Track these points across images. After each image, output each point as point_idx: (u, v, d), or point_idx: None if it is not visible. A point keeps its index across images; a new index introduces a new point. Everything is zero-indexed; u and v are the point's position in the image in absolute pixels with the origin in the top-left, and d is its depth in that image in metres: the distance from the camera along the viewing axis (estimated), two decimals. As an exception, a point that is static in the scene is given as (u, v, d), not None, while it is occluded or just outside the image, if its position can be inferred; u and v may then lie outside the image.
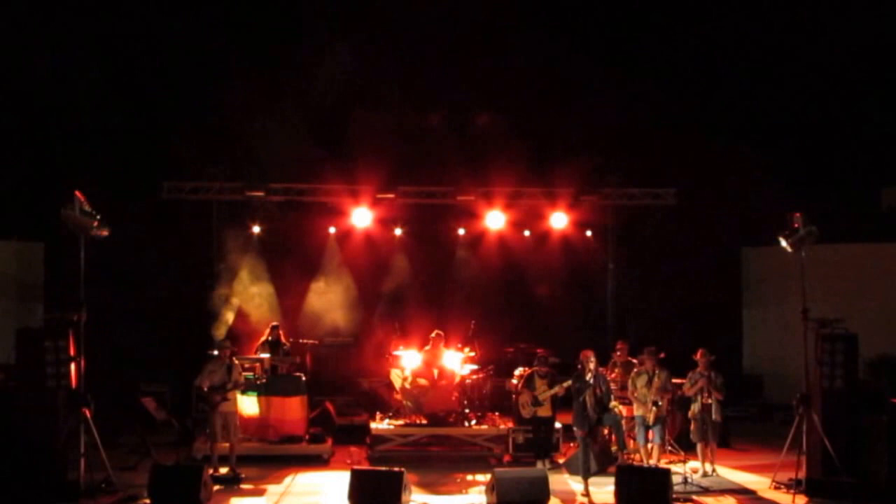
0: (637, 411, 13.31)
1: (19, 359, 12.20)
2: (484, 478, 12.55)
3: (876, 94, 18.53)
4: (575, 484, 12.68)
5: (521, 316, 19.10)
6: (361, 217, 17.57)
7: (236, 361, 13.43)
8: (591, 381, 12.35)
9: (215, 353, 13.65)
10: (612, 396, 13.16)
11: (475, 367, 15.48)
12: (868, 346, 13.60)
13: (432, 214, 18.59)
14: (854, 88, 18.69)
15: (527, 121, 17.63)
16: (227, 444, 13.06)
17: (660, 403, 12.97)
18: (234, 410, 13.18)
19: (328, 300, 17.98)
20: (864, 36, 18.13)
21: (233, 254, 17.36)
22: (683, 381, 13.44)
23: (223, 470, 12.95)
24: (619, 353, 14.97)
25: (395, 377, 15.32)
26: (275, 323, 15.98)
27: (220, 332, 16.15)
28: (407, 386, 14.93)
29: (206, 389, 12.93)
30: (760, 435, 15.97)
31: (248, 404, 14.23)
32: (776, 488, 12.41)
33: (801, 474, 12.05)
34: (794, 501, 11.75)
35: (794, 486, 11.98)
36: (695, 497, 12.05)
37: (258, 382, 13.87)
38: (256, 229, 17.96)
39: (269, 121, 16.87)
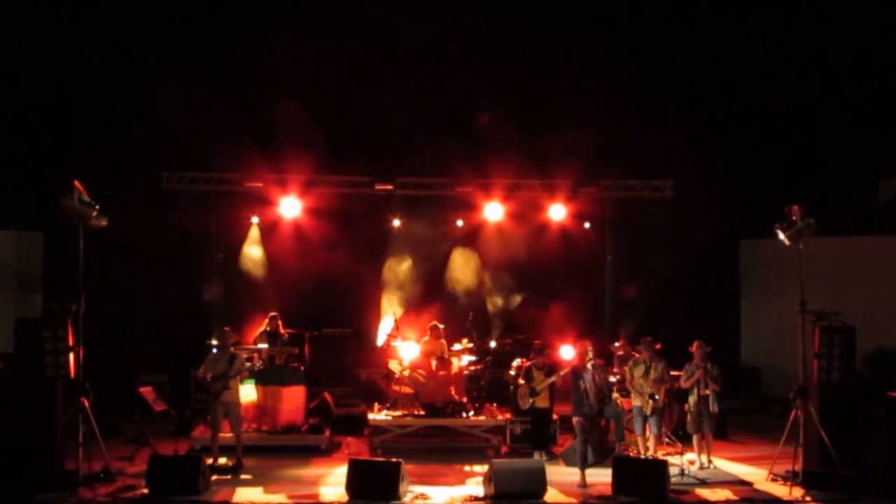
0: (635, 401, 13.32)
1: (18, 348, 12.21)
2: (482, 469, 12.58)
3: (874, 86, 18.48)
4: (572, 475, 12.70)
5: (519, 307, 19.07)
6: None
7: (239, 351, 13.45)
8: (590, 368, 12.40)
9: (214, 342, 13.65)
10: (613, 388, 13.17)
11: (473, 358, 15.50)
12: (866, 339, 13.60)
13: (431, 206, 18.55)
14: (852, 80, 18.65)
15: (526, 112, 17.58)
16: (227, 434, 13.08)
17: (657, 396, 13.00)
18: (237, 401, 13.18)
19: (326, 291, 17.97)
20: (862, 27, 18.08)
21: (232, 244, 17.36)
22: (680, 372, 13.46)
23: (222, 460, 12.97)
24: (618, 347, 15.01)
25: (394, 368, 15.35)
26: (273, 313, 15.97)
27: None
28: (405, 374, 14.97)
29: (209, 379, 12.96)
30: (758, 427, 15.98)
31: (246, 393, 14.26)
32: (773, 480, 12.42)
33: (798, 466, 12.06)
34: (790, 493, 11.77)
35: (791, 478, 12.01)
36: (692, 489, 12.06)
37: (254, 370, 13.88)
38: (255, 219, 18.03)
39: (268, 112, 16.87)
